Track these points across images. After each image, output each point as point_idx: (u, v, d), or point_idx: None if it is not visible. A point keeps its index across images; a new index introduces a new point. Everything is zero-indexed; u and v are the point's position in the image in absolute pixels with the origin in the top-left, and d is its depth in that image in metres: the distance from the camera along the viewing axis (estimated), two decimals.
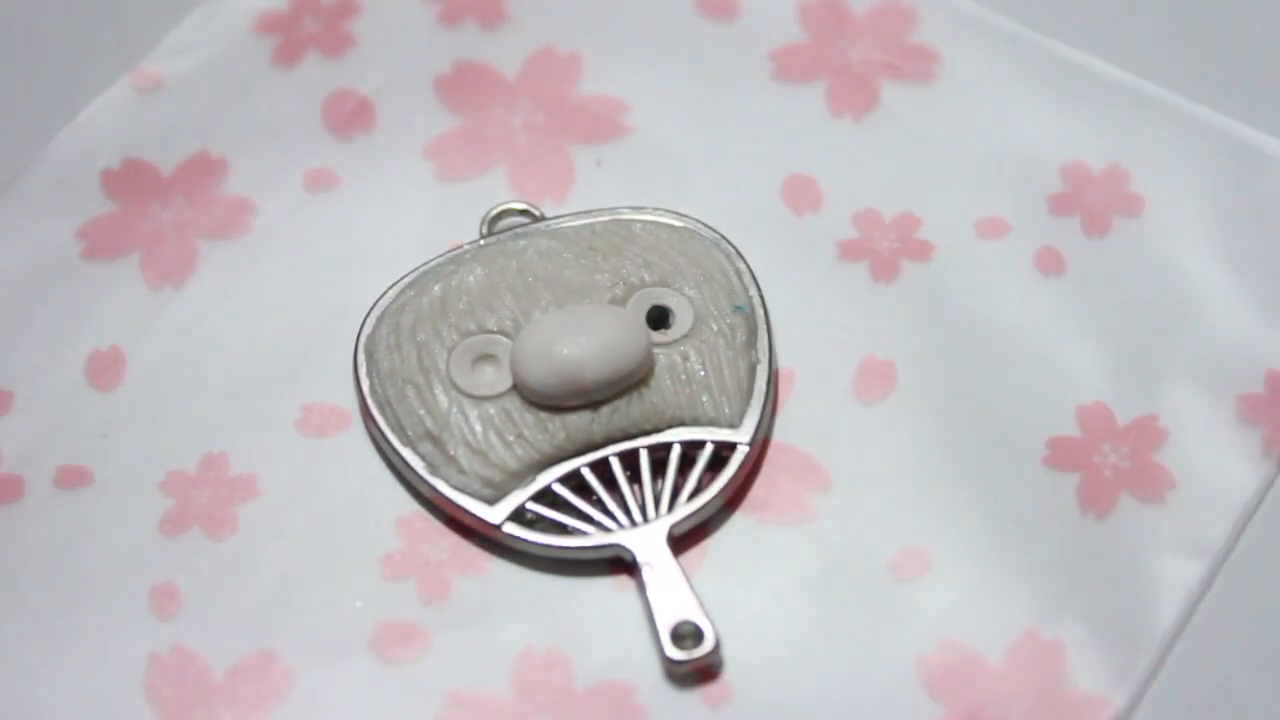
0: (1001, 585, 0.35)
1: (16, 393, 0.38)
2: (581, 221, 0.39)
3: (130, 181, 0.41)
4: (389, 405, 0.36)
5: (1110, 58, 0.42)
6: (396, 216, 0.40)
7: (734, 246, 0.38)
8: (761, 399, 0.36)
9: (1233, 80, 0.42)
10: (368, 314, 0.38)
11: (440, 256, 0.38)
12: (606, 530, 0.35)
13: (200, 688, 0.34)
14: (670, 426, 0.36)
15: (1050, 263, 0.39)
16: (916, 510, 0.36)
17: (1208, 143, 0.40)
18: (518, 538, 0.35)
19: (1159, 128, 0.41)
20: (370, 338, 0.37)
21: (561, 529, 0.35)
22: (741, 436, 0.36)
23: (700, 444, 0.36)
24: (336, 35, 0.43)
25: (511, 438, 0.36)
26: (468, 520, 0.36)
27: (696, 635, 0.34)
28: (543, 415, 0.36)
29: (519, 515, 0.35)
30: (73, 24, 0.44)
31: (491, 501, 0.35)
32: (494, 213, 0.39)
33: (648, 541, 0.35)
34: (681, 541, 0.35)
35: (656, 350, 0.37)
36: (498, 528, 0.35)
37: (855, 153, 0.41)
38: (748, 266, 0.38)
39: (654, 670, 0.34)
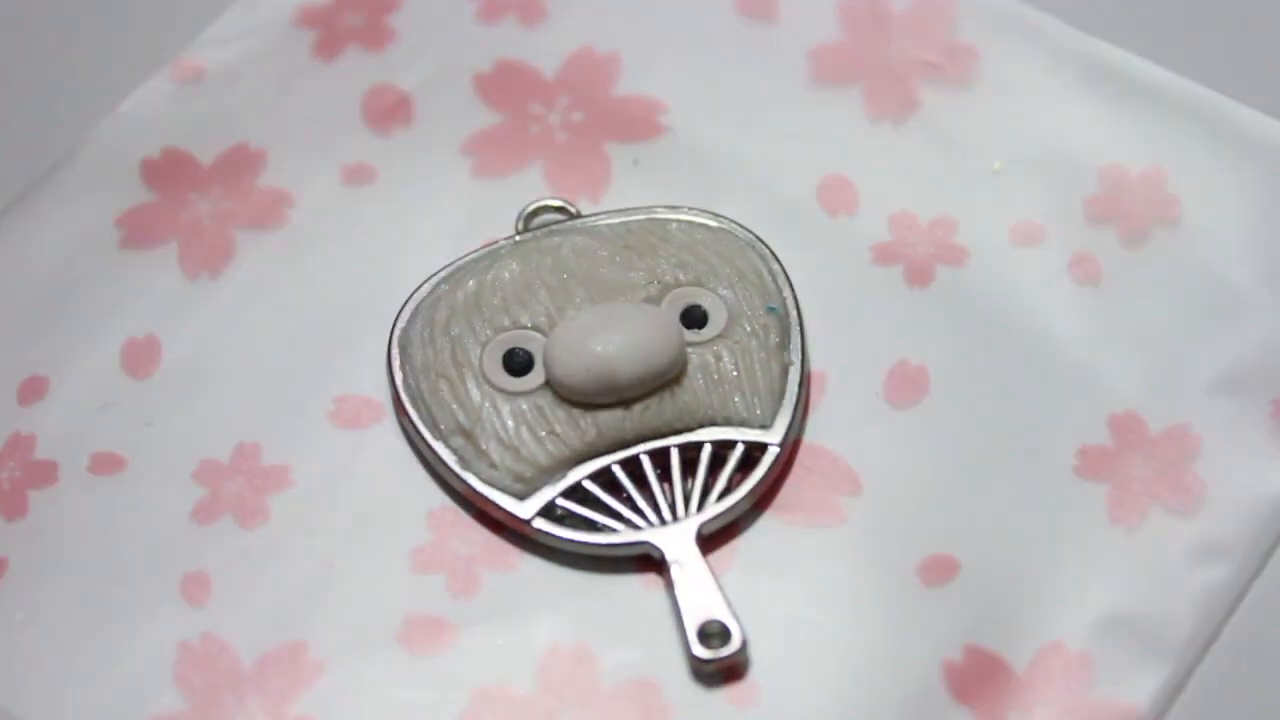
0: (1029, 594, 0.35)
1: (52, 379, 0.38)
2: (617, 220, 0.39)
3: (170, 171, 0.41)
4: (422, 399, 0.37)
5: (1149, 54, 0.42)
6: (433, 211, 0.40)
7: (768, 247, 0.38)
8: (793, 400, 0.36)
9: (1274, 78, 0.42)
10: (402, 307, 0.38)
11: (476, 252, 0.39)
12: (636, 528, 0.35)
13: (229, 676, 0.34)
14: (702, 426, 0.36)
15: (1086, 269, 0.39)
16: (945, 516, 0.36)
17: (1248, 142, 0.40)
18: (547, 533, 0.35)
19: (1199, 127, 0.40)
20: (404, 331, 0.37)
21: (591, 526, 0.35)
22: (772, 437, 0.36)
23: (731, 444, 0.36)
24: (377, 29, 0.43)
25: (543, 433, 0.36)
26: (498, 515, 0.36)
27: (724, 634, 0.34)
28: (575, 412, 0.36)
29: (549, 511, 0.35)
30: (115, 15, 0.45)
31: (522, 497, 0.35)
32: (530, 209, 0.40)
33: (677, 540, 0.35)
34: (710, 541, 0.35)
35: (689, 349, 0.37)
36: (528, 523, 0.35)
37: (892, 155, 0.41)
38: (782, 268, 0.38)
39: (681, 669, 0.34)
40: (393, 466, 0.37)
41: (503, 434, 0.36)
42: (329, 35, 0.43)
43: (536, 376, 0.36)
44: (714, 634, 0.34)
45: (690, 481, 0.36)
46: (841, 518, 0.36)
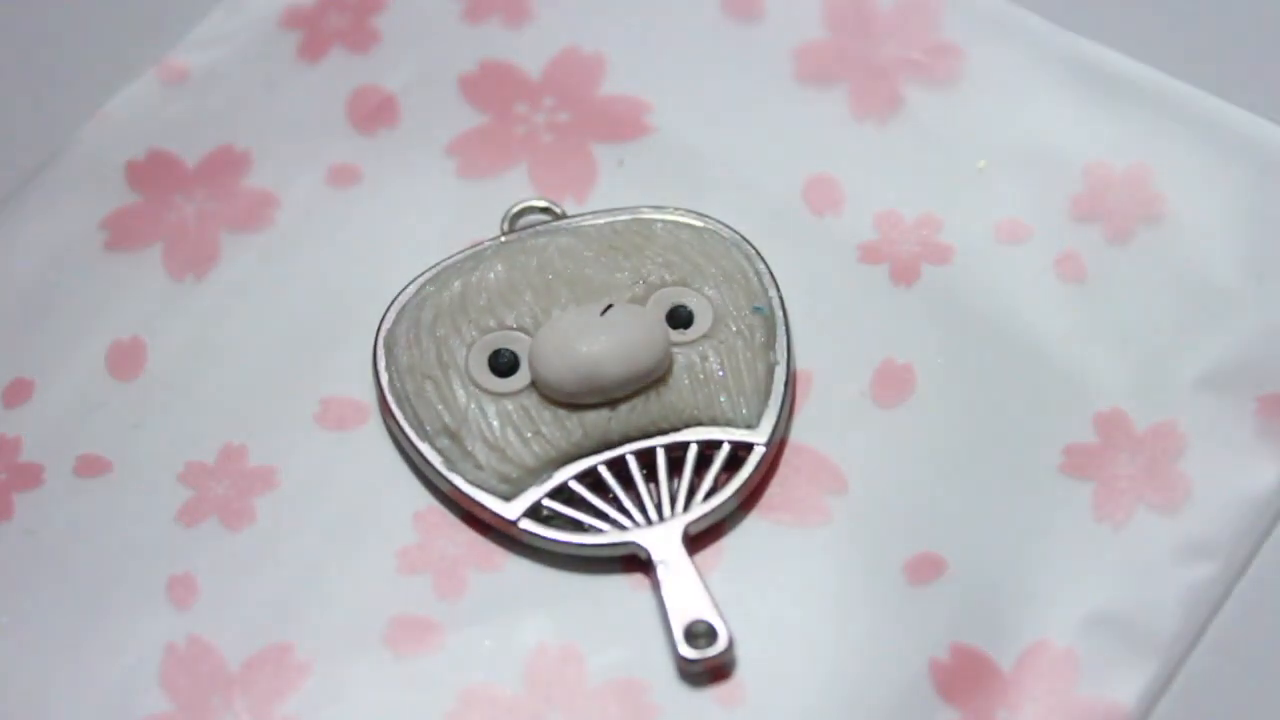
0: (1015, 592, 0.35)
1: (37, 381, 0.38)
2: (603, 220, 0.39)
3: (154, 173, 0.41)
4: (407, 400, 0.37)
5: (1135, 52, 0.42)
6: (418, 212, 0.40)
7: (754, 247, 0.38)
8: (779, 400, 0.36)
9: (1259, 76, 0.42)
10: (388, 309, 0.38)
11: (461, 253, 0.39)
12: (622, 528, 0.35)
13: (216, 679, 0.34)
14: (688, 426, 0.36)
15: (1071, 267, 0.39)
16: (931, 514, 0.36)
17: (1233, 140, 0.40)
18: (534, 534, 0.35)
19: (1185, 125, 0.40)
20: (390, 332, 0.37)
21: (577, 526, 0.35)
22: (758, 437, 0.36)
23: (717, 444, 0.36)
24: (362, 31, 0.43)
25: (529, 434, 0.36)
26: (484, 516, 0.36)
27: (710, 634, 0.34)
28: (560, 412, 0.36)
29: (535, 512, 0.35)
30: (99, 16, 0.45)
31: (508, 497, 0.35)
32: (515, 210, 0.40)
33: (663, 540, 0.35)
34: (697, 541, 0.35)
35: (675, 350, 0.37)
36: (514, 524, 0.35)
37: (877, 153, 0.41)
38: (767, 267, 0.38)
39: (668, 669, 0.34)
40: (378, 468, 0.37)
41: (488, 435, 0.36)
42: (314, 37, 0.43)
43: (522, 377, 0.36)
44: (700, 634, 0.34)
45: (676, 482, 0.36)
46: (828, 517, 0.36)
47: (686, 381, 0.36)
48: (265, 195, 0.41)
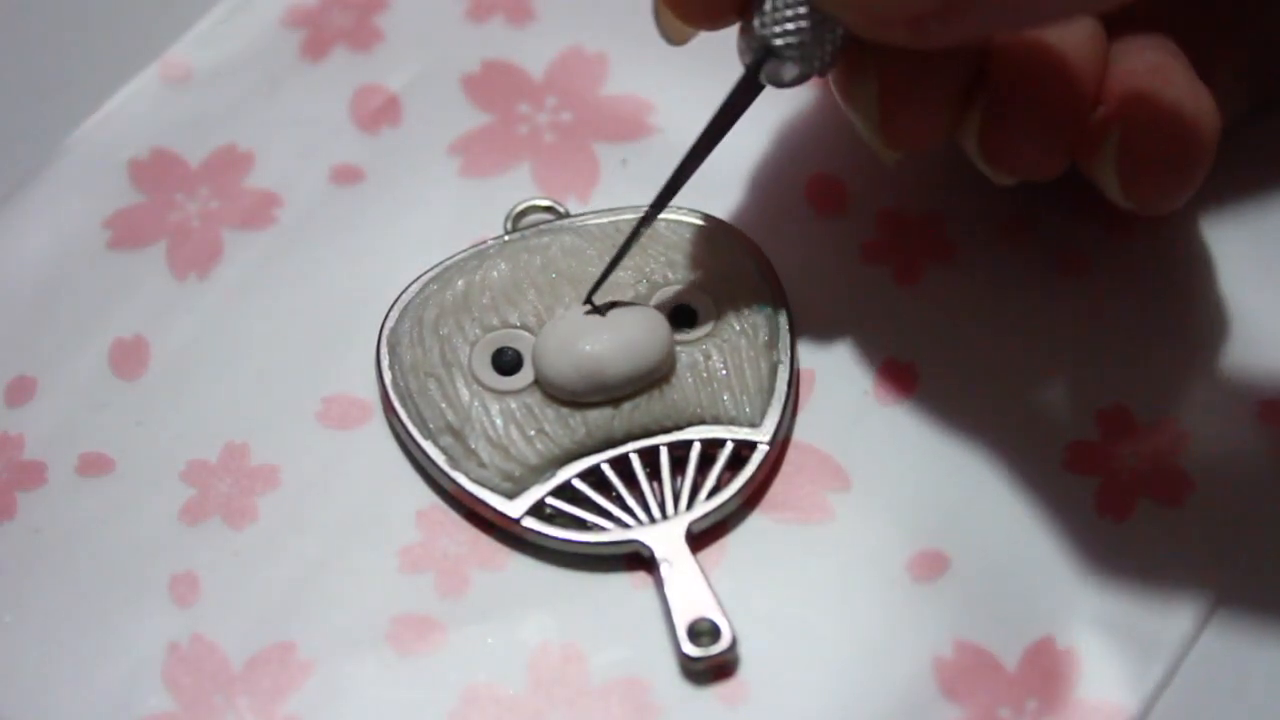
0: (1018, 589, 0.35)
1: (40, 380, 0.38)
2: (606, 219, 0.39)
3: (157, 172, 0.41)
4: (410, 398, 0.37)
5: None
6: (421, 211, 0.40)
7: (757, 246, 0.38)
8: (782, 399, 0.36)
9: None
10: (391, 307, 0.38)
11: (464, 251, 0.39)
12: (625, 526, 0.35)
13: (219, 677, 0.34)
14: (691, 424, 0.36)
15: (1073, 263, 0.39)
16: (935, 512, 0.36)
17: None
18: (536, 532, 0.35)
19: None
20: (393, 331, 0.37)
21: (580, 524, 0.35)
22: (761, 436, 0.36)
23: (720, 442, 0.36)
24: (365, 30, 0.43)
25: (532, 432, 0.36)
26: (487, 514, 0.36)
27: (714, 632, 0.34)
28: (564, 411, 0.36)
29: (538, 510, 0.35)
30: (101, 13, 0.45)
31: (511, 496, 0.35)
32: (519, 209, 0.40)
33: (666, 538, 0.35)
34: (700, 539, 0.35)
35: (678, 348, 0.37)
36: (517, 522, 0.35)
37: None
38: (771, 266, 0.38)
39: (671, 667, 0.34)
40: (381, 466, 0.37)
41: (492, 433, 0.36)
42: (316, 35, 0.43)
43: (525, 375, 0.36)
44: (704, 632, 0.34)
45: (679, 480, 0.36)
46: (831, 515, 0.36)
47: (690, 380, 0.36)
48: (268, 194, 0.41)
